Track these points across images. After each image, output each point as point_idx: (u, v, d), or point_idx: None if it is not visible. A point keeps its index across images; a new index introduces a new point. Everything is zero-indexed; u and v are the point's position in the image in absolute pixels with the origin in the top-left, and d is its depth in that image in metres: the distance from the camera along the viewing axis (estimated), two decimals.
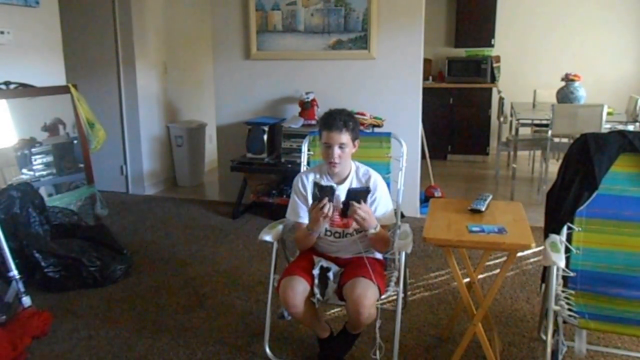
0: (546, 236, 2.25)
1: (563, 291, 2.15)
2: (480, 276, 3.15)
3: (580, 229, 2.26)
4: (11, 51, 3.71)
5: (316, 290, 2.15)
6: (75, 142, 3.97)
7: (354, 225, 2.27)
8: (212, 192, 5.29)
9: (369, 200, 2.21)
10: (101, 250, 3.32)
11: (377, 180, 2.32)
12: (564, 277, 2.23)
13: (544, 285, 2.31)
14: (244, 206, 4.59)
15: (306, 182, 2.36)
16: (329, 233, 2.35)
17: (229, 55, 4.68)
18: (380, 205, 2.29)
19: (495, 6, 6.49)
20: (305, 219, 2.31)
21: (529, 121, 5.26)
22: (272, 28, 4.51)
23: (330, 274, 2.18)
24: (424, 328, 2.69)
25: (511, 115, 5.68)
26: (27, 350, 2.48)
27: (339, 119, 2.23)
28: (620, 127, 4.49)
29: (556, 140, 4.86)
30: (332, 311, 2.83)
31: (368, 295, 2.05)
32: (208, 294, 3.11)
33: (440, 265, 3.45)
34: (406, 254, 2.23)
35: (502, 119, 5.65)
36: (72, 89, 3.91)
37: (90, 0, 4.88)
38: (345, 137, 2.22)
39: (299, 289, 2.13)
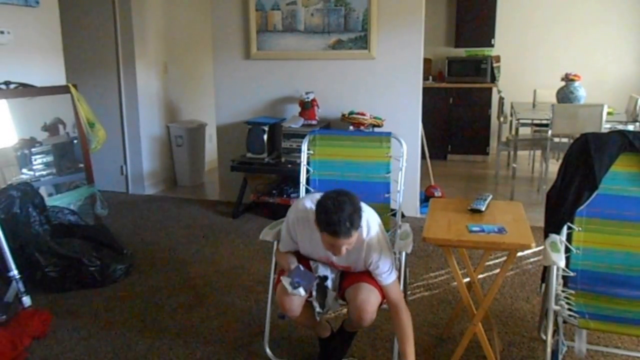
0: (546, 236, 2.25)
1: (563, 291, 2.15)
2: (480, 276, 3.15)
3: (580, 228, 2.26)
4: (11, 51, 3.71)
5: (315, 304, 2.12)
6: (75, 142, 3.96)
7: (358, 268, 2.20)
8: (212, 192, 5.29)
9: (362, 262, 2.07)
10: (101, 250, 3.33)
11: (370, 243, 2.04)
12: (564, 277, 2.23)
13: (544, 285, 2.31)
14: (244, 206, 4.59)
15: (297, 228, 2.15)
16: None
17: (229, 55, 4.68)
18: (379, 269, 2.06)
19: (495, 6, 6.49)
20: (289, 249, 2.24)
21: (529, 121, 5.26)
22: (272, 28, 4.51)
23: (329, 283, 2.16)
24: (424, 328, 2.69)
25: (511, 115, 5.68)
26: (26, 350, 2.48)
27: (343, 223, 1.86)
28: (620, 127, 4.49)
29: (556, 140, 4.86)
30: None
31: (371, 301, 2.06)
32: (208, 294, 3.11)
33: (440, 265, 3.45)
34: (406, 253, 2.23)
35: (502, 119, 5.65)
36: (72, 89, 3.91)
37: (90, 0, 4.88)
38: (352, 238, 1.92)
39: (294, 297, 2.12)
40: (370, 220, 2.08)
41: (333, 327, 2.45)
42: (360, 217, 1.93)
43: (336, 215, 1.86)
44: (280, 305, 2.14)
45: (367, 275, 2.13)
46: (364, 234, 2.04)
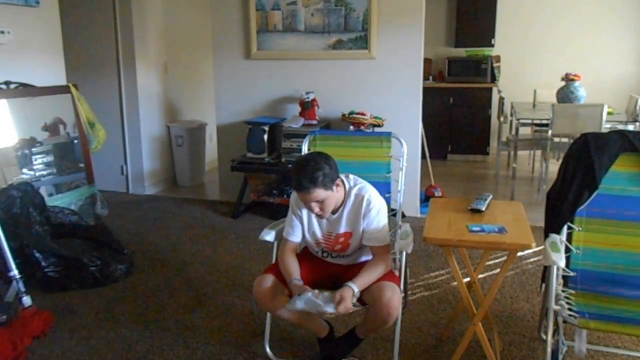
0: (546, 236, 2.25)
1: (563, 291, 2.16)
2: (481, 276, 3.15)
3: (580, 228, 2.26)
4: (11, 51, 3.71)
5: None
6: (75, 141, 3.96)
7: (350, 249, 2.24)
8: (213, 192, 5.29)
9: (361, 221, 2.14)
10: (101, 250, 3.33)
11: (370, 200, 2.14)
12: (564, 277, 2.23)
13: (544, 285, 2.31)
14: (244, 206, 4.59)
15: (299, 203, 2.20)
16: (325, 254, 2.32)
17: (229, 55, 4.68)
18: (372, 226, 2.15)
19: (495, 6, 6.49)
20: (295, 238, 2.25)
21: (529, 121, 5.27)
22: (272, 28, 4.51)
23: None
24: (424, 328, 2.69)
25: (511, 115, 5.68)
26: (27, 349, 2.48)
27: (303, 178, 1.98)
28: (620, 127, 4.49)
29: (556, 140, 4.86)
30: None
31: (396, 298, 2.06)
32: (208, 294, 3.11)
33: (440, 265, 3.45)
34: (406, 253, 2.23)
35: (502, 119, 5.65)
36: (73, 89, 3.91)
37: (91, 0, 4.88)
38: (317, 194, 2.01)
39: (266, 285, 2.14)
40: (370, 190, 2.18)
41: (335, 329, 2.44)
42: (324, 172, 2.00)
43: (299, 169, 2.02)
44: (256, 298, 2.17)
45: (388, 273, 2.16)
46: (362, 190, 2.15)
